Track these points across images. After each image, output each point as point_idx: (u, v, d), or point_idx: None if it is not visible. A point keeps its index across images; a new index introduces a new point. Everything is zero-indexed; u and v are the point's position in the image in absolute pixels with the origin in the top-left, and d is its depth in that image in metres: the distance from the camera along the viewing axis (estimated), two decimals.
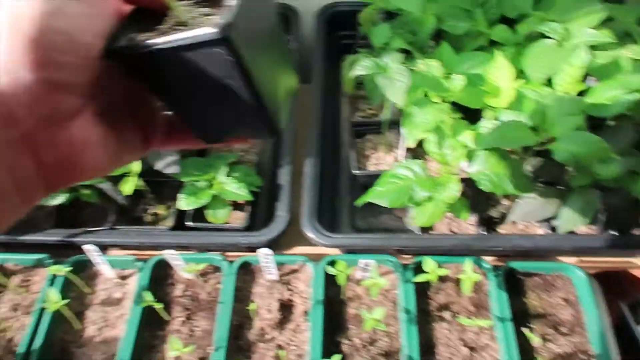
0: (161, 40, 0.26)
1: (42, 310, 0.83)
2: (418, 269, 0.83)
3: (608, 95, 0.76)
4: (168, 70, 0.28)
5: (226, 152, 0.96)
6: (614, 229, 0.83)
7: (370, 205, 0.97)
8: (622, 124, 0.80)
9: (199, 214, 0.90)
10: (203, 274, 0.89)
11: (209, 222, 0.89)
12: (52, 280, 0.86)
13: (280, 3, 1.15)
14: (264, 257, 0.81)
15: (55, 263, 0.87)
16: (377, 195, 0.79)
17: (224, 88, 0.28)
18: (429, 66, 0.82)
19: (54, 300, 0.79)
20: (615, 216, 0.81)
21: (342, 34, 1.17)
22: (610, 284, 0.85)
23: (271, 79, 0.30)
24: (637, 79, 0.74)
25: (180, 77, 0.29)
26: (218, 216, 0.88)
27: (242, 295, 0.86)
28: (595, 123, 0.83)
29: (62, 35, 0.25)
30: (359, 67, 0.82)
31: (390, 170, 0.80)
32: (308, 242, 0.91)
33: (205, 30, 0.25)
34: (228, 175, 0.89)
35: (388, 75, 0.80)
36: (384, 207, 0.97)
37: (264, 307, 0.84)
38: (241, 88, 0.28)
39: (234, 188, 0.87)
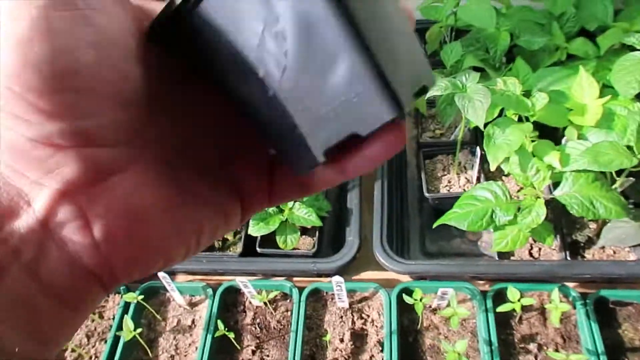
0: None
1: (116, 337, 0.83)
2: (497, 297, 0.79)
3: None
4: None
5: None
6: None
7: (441, 229, 0.93)
8: None
9: (267, 240, 0.89)
10: (272, 301, 0.88)
11: (278, 248, 0.88)
12: (125, 306, 0.87)
13: None
14: (337, 285, 0.79)
15: (127, 289, 0.88)
16: (456, 218, 0.75)
17: (317, 55, 0.18)
18: (507, 84, 0.79)
19: (129, 328, 0.79)
20: None
21: None
22: None
23: (391, 47, 0.19)
24: None
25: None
26: (288, 242, 0.87)
27: (312, 323, 0.84)
28: None
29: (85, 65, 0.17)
30: (435, 87, 0.79)
31: (469, 191, 0.77)
32: (376, 267, 0.88)
33: None
34: (297, 200, 0.87)
35: (467, 95, 0.77)
36: (456, 231, 0.94)
37: (336, 336, 0.82)
38: (344, 44, 0.17)
39: (304, 213, 0.86)
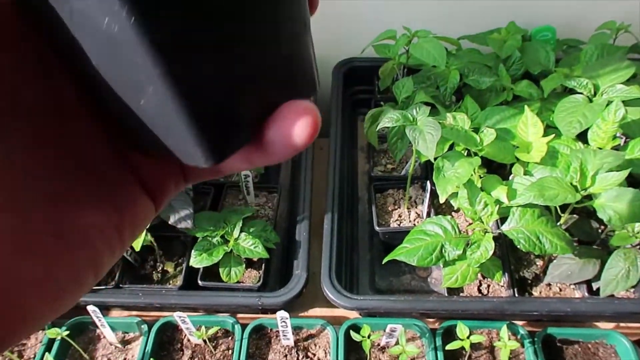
0: None
1: None
2: (447, 335, 0.77)
3: None
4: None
5: (241, 207, 0.92)
6: None
7: (391, 265, 0.92)
8: None
9: (209, 272, 0.84)
10: (212, 339, 0.82)
11: (221, 281, 0.83)
12: (48, 344, 0.79)
13: None
14: (281, 321, 0.75)
15: (52, 325, 0.80)
16: (405, 253, 0.74)
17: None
18: (457, 119, 0.80)
19: None
20: None
21: (359, 88, 1.16)
22: None
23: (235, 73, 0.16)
24: None
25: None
26: (232, 275, 0.82)
27: None
28: (631, 180, 0.80)
29: None
30: (386, 119, 0.79)
31: (419, 226, 0.76)
32: (324, 304, 0.85)
33: None
34: (242, 231, 0.84)
35: (418, 128, 0.77)
36: (406, 267, 0.92)
37: None
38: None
39: (250, 244, 0.82)
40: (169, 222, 0.83)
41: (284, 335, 0.78)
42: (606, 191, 0.66)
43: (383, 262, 0.77)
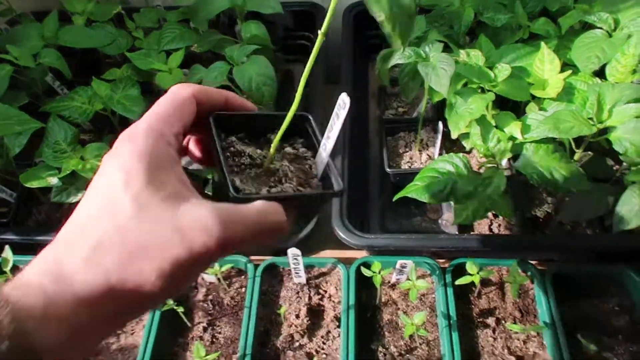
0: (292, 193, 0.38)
1: None
2: (457, 273, 0.78)
3: None
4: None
5: None
6: None
7: (402, 207, 0.92)
8: None
9: None
10: (226, 277, 0.84)
11: None
12: None
13: (307, 0, 1.11)
14: (293, 258, 0.76)
15: None
16: (416, 190, 0.73)
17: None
18: (470, 56, 0.78)
19: None
20: None
21: (370, 33, 1.14)
22: None
23: None
24: None
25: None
26: None
27: (268, 299, 0.80)
28: None
29: None
30: (398, 55, 0.77)
31: (430, 164, 0.75)
32: (337, 246, 0.85)
33: (335, 189, 0.39)
34: None
35: (430, 64, 0.75)
36: (416, 209, 0.93)
37: (292, 312, 0.78)
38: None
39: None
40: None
41: (296, 273, 0.79)
42: (623, 123, 0.65)
43: (394, 199, 0.77)
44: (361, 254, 0.85)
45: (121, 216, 0.28)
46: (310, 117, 0.43)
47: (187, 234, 0.28)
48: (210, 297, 0.82)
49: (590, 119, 0.67)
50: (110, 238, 0.28)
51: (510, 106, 0.84)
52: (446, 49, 0.84)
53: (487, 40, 0.85)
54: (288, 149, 0.43)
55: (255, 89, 0.72)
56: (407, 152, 0.93)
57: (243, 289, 0.82)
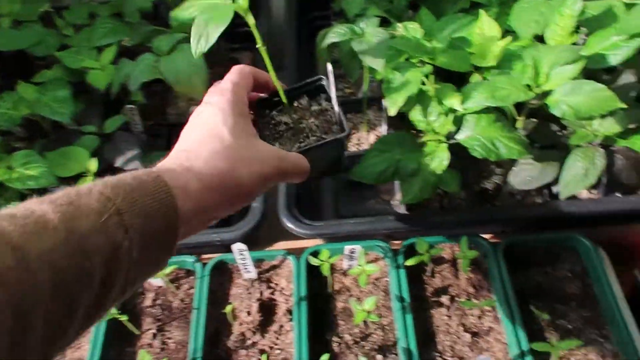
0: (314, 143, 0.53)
1: None
2: (409, 252, 0.76)
3: (605, 44, 0.70)
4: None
5: None
6: (619, 191, 0.76)
7: (355, 190, 0.90)
8: (617, 76, 0.73)
9: None
10: (175, 280, 0.81)
11: None
12: None
13: None
14: (239, 254, 0.73)
15: None
16: (360, 173, 0.71)
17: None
18: (408, 29, 0.75)
19: None
20: (619, 177, 0.74)
21: (315, 14, 1.10)
22: (623, 254, 0.78)
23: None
24: (632, 22, 0.67)
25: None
26: None
27: (217, 298, 0.78)
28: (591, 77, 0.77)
29: None
30: (332, 34, 0.74)
31: (374, 144, 0.72)
32: (290, 237, 0.82)
33: (339, 135, 0.53)
34: None
35: (365, 40, 0.72)
36: (369, 192, 0.90)
37: (242, 309, 0.76)
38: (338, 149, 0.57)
39: None
40: (115, 165, 0.80)
41: (245, 268, 0.76)
42: (561, 86, 0.63)
43: (340, 184, 0.74)
44: (317, 242, 0.82)
45: (225, 140, 0.43)
46: (323, 77, 0.56)
47: (267, 157, 0.45)
48: (158, 301, 0.79)
49: (528, 84, 0.65)
50: (220, 152, 0.42)
51: (457, 78, 0.82)
52: (386, 24, 0.82)
53: (427, 12, 0.82)
54: (315, 107, 0.57)
55: (184, 81, 0.69)
56: (355, 133, 0.90)
57: (192, 290, 0.79)
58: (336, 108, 0.54)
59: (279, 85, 0.53)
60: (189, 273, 0.81)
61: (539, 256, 0.78)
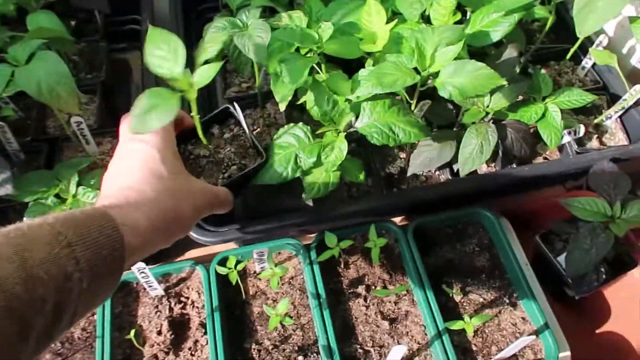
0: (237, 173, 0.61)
1: None
2: (321, 247, 0.74)
3: (486, 21, 0.71)
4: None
5: (78, 158, 0.80)
6: (514, 162, 0.79)
7: (263, 188, 0.86)
8: (503, 50, 0.75)
9: None
10: None
11: None
12: None
13: None
14: (139, 273, 0.68)
15: None
16: (264, 177, 0.68)
17: None
18: (293, 18, 0.72)
19: None
20: (512, 149, 0.76)
21: (206, 6, 1.04)
22: (524, 221, 0.81)
23: None
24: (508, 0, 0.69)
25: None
26: None
27: (124, 322, 0.72)
28: (475, 58, 0.78)
29: None
30: (212, 29, 0.70)
31: (274, 140, 0.70)
32: (200, 244, 0.78)
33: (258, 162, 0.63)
34: (81, 184, 0.73)
35: (247, 33, 0.68)
36: (280, 187, 0.87)
37: (152, 329, 0.71)
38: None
39: (91, 199, 0.72)
40: None
41: (150, 286, 0.71)
42: (445, 67, 0.63)
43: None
44: (231, 246, 0.79)
45: (166, 179, 0.48)
46: (230, 106, 0.61)
47: (201, 192, 0.52)
48: None
49: (416, 67, 0.65)
50: (164, 191, 0.47)
51: (355, 65, 0.81)
52: (274, 14, 0.78)
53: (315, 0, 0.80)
54: (227, 135, 0.60)
55: (47, 92, 0.61)
56: (256, 129, 0.87)
57: (95, 317, 0.73)
58: (247, 132, 0.59)
59: (197, 121, 0.55)
60: None
61: (447, 234, 0.79)
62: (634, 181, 0.71)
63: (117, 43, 1.05)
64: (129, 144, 0.50)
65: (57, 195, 0.73)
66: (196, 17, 1.05)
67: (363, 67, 0.78)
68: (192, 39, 0.98)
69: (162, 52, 0.50)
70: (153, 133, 0.50)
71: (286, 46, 0.74)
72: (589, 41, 0.86)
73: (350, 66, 0.80)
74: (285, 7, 0.84)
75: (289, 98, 0.65)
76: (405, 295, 0.73)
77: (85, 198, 0.72)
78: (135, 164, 0.48)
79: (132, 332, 0.66)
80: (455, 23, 0.73)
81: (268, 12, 0.85)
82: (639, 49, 0.89)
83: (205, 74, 0.52)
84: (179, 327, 0.71)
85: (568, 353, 0.68)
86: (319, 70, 0.74)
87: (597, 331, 0.80)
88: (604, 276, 0.71)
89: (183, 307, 0.73)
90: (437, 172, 0.81)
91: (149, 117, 0.47)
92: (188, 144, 0.62)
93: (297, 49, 0.75)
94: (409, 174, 0.77)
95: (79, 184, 0.73)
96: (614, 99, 0.86)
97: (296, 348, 0.69)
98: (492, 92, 0.73)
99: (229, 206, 0.57)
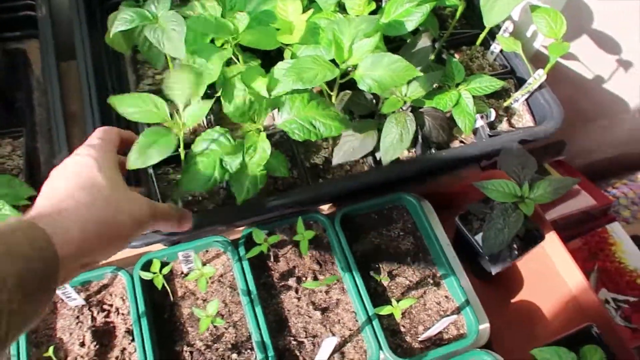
0: None
1: None
2: (249, 242, 0.74)
3: (400, 11, 0.72)
4: None
5: None
6: (434, 147, 0.81)
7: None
8: (417, 39, 0.77)
9: None
10: None
11: None
12: None
13: None
14: None
15: None
16: (187, 183, 0.65)
17: None
18: (206, 7, 0.69)
19: None
20: (430, 136, 0.79)
21: None
22: (445, 202, 0.85)
23: None
24: None
25: None
26: None
27: (40, 337, 0.68)
28: (395, 45, 0.80)
29: None
30: (119, 22, 0.65)
31: (191, 151, 0.67)
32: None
33: None
34: None
35: (160, 26, 0.65)
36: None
37: (74, 341, 0.67)
38: None
39: None
40: None
41: (68, 297, 0.67)
42: (363, 61, 0.64)
43: (173, 198, 0.68)
44: (156, 247, 0.76)
45: (103, 189, 0.47)
46: None
47: (141, 204, 0.50)
48: None
49: (334, 60, 0.65)
50: (100, 200, 0.46)
51: (274, 54, 0.79)
52: (185, 2, 0.75)
53: None
54: None
55: None
56: None
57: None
58: None
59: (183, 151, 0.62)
60: None
61: (374, 220, 0.81)
62: (538, 158, 0.76)
63: (11, 31, 0.96)
64: (66, 160, 0.50)
65: None
66: (98, 2, 0.97)
67: (281, 54, 0.77)
68: (97, 27, 0.91)
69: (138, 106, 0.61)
70: (90, 147, 0.51)
71: (200, 37, 0.72)
72: (496, 27, 0.90)
73: (269, 54, 0.79)
74: None
75: (201, 94, 0.63)
76: (335, 284, 0.74)
77: None
78: (72, 174, 0.47)
79: (51, 349, 0.63)
80: (370, 13, 0.74)
81: (179, 1, 0.81)
82: (540, 34, 0.95)
83: (194, 115, 0.62)
84: (104, 336, 0.69)
85: (487, 325, 0.73)
86: (236, 60, 0.72)
87: (512, 301, 0.86)
88: (516, 252, 0.77)
89: (107, 316, 0.70)
90: (360, 160, 0.82)
91: (149, 151, 0.57)
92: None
93: (212, 40, 0.72)
94: (333, 164, 0.77)
95: None
96: (520, 82, 0.91)
97: (229, 346, 0.69)
98: (409, 82, 0.75)
99: (183, 223, 0.58)
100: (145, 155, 0.56)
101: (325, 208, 0.85)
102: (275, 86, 0.64)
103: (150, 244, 0.72)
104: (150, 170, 0.76)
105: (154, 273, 0.67)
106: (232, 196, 0.70)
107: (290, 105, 0.66)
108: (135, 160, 0.55)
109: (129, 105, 0.60)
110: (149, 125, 0.74)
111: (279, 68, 0.66)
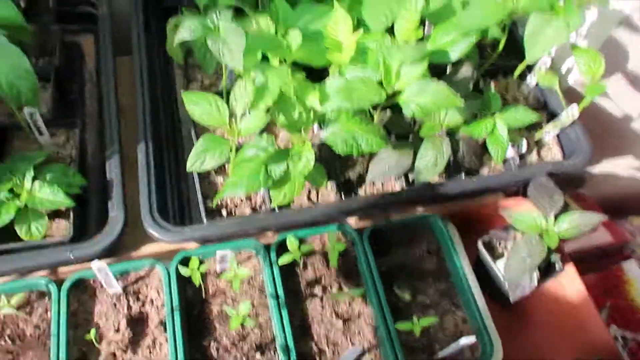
0: None
1: None
2: (281, 248, 0.77)
3: (446, 40, 0.75)
4: None
5: (33, 152, 0.78)
6: (463, 171, 0.84)
7: None
8: (460, 68, 0.80)
9: (6, 233, 0.71)
10: (26, 304, 0.72)
11: (22, 240, 0.71)
12: None
13: None
14: (99, 271, 0.68)
15: None
16: (231, 187, 0.69)
17: None
18: (260, 24, 0.73)
19: None
20: (462, 161, 0.82)
21: None
22: (468, 226, 0.87)
23: None
24: (467, 20, 0.73)
25: None
26: (33, 231, 0.71)
27: (80, 319, 0.72)
28: (437, 71, 0.82)
29: None
30: (183, 30, 0.69)
31: (238, 155, 0.70)
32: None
33: None
34: (37, 179, 0.71)
35: (221, 37, 0.68)
36: None
37: (110, 327, 0.71)
38: None
39: (48, 194, 0.70)
40: None
41: (108, 284, 0.71)
42: (409, 86, 0.67)
43: (213, 205, 0.72)
44: (189, 244, 0.79)
45: None
46: None
47: None
48: (7, 331, 0.70)
49: (381, 83, 0.68)
50: None
51: (313, 69, 0.82)
52: (242, 13, 0.78)
53: (282, 2, 0.80)
54: None
55: (7, 89, 0.59)
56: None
57: (49, 314, 0.72)
58: None
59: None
60: (43, 295, 0.74)
61: (401, 238, 0.84)
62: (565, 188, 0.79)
63: (69, 24, 1.00)
64: None
65: (10, 190, 0.70)
66: (156, 3, 1.02)
67: (326, 69, 0.80)
68: (151, 29, 0.95)
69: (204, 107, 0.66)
70: None
71: (252, 50, 0.75)
72: None
73: (313, 69, 0.82)
74: (252, 7, 0.84)
75: (264, 109, 0.66)
76: (358, 296, 0.77)
77: (42, 193, 0.70)
78: None
79: (92, 331, 0.66)
80: (419, 39, 0.77)
81: (234, 11, 0.85)
82: (575, 70, 0.97)
83: (251, 126, 0.67)
84: (137, 325, 0.72)
85: (500, 350, 0.76)
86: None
87: (525, 328, 0.88)
88: (536, 282, 0.79)
89: (142, 306, 0.74)
90: (392, 179, 0.85)
91: (206, 157, 0.64)
92: None
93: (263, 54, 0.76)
94: (367, 180, 0.80)
95: (34, 179, 0.71)
96: (552, 115, 0.93)
97: (254, 346, 0.72)
98: (449, 109, 0.78)
99: None
100: (200, 160, 0.59)
101: (353, 220, 0.88)
102: (326, 100, 0.67)
103: (186, 242, 0.76)
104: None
105: (193, 269, 0.70)
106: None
107: (335, 119, 0.69)
108: (192, 165, 0.58)
109: (196, 102, 0.64)
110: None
111: (329, 84, 0.69)
